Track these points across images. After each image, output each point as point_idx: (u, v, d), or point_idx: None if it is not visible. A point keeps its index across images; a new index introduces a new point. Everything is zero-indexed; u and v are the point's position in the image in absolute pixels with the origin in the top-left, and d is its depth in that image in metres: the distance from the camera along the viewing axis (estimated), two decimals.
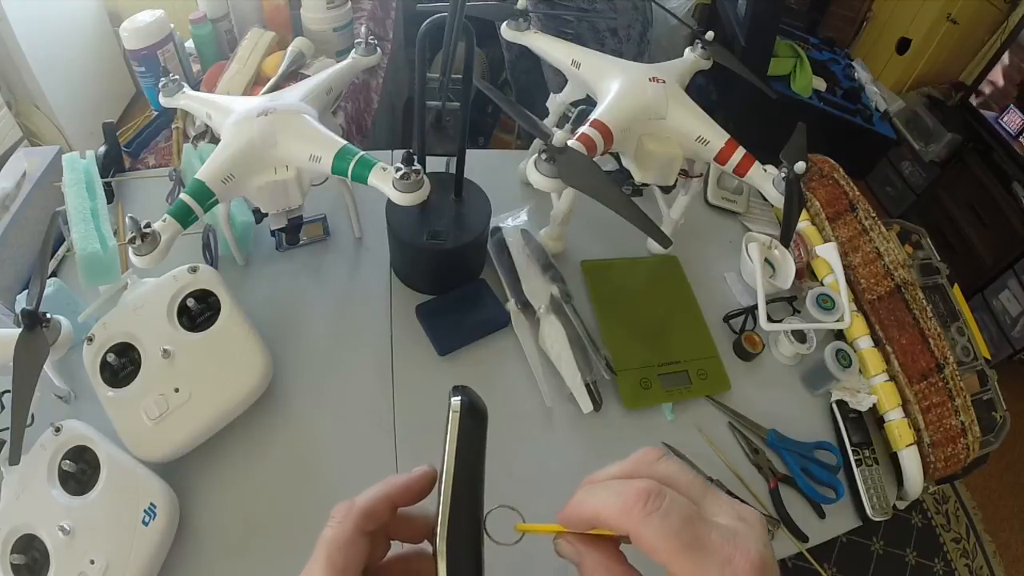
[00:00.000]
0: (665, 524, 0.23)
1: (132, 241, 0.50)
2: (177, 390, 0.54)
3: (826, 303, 0.74)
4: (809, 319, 0.73)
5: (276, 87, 0.96)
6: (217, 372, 0.56)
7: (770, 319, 0.71)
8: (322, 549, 0.26)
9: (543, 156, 0.53)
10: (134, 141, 0.93)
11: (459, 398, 0.27)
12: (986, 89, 1.88)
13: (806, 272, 0.80)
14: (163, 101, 0.69)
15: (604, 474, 0.28)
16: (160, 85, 0.68)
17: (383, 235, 0.72)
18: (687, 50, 0.73)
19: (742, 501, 0.62)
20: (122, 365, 0.55)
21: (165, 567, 0.50)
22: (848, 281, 0.75)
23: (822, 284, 0.78)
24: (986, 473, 1.61)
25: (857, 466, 0.66)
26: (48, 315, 0.49)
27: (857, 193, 0.85)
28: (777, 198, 0.60)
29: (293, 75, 1.00)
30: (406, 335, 0.68)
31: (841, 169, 0.88)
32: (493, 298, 0.71)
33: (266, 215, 0.65)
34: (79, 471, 0.51)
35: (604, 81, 0.66)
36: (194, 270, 0.59)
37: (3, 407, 0.51)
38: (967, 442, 0.68)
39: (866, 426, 0.69)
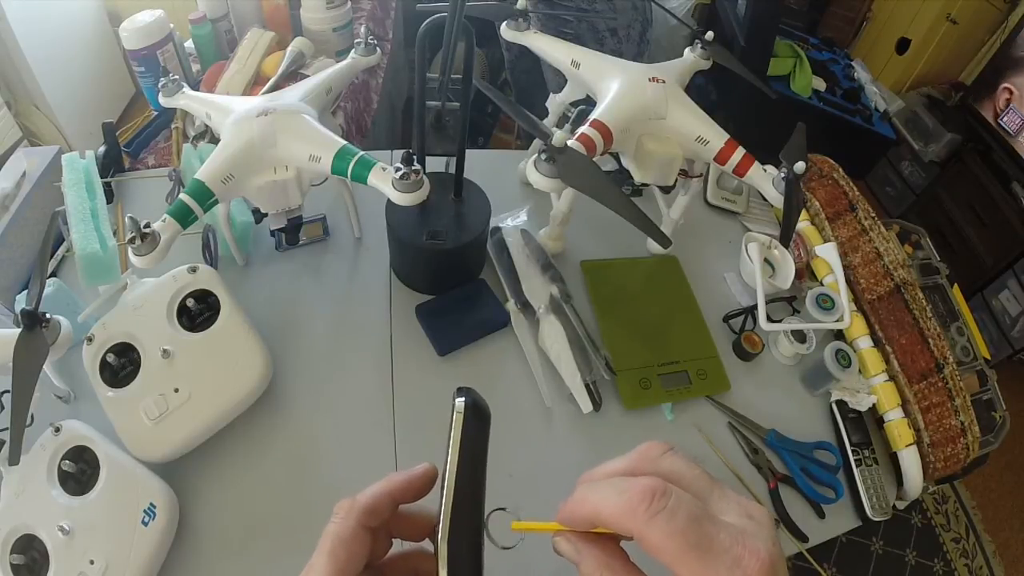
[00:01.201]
0: (671, 524, 0.22)
1: (132, 241, 0.50)
2: (177, 390, 0.54)
3: (826, 303, 0.74)
4: (809, 319, 0.73)
5: (276, 87, 0.96)
6: (217, 372, 0.56)
7: (770, 319, 0.71)
8: (325, 543, 0.27)
9: (543, 156, 0.53)
10: (134, 141, 0.93)
11: (463, 399, 0.27)
12: (985, 89, 1.88)
13: (806, 272, 0.80)
14: (163, 101, 0.69)
15: (605, 471, 0.27)
16: (160, 85, 0.68)
17: (383, 235, 0.72)
18: (687, 50, 0.73)
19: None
20: (122, 365, 0.55)
21: (165, 567, 0.50)
22: (848, 281, 0.75)
23: (822, 284, 0.78)
24: (985, 473, 1.61)
25: (857, 466, 0.66)
26: (48, 315, 0.49)
27: (857, 193, 0.85)
28: (777, 198, 0.60)
29: (293, 75, 1.00)
30: (406, 335, 0.68)
31: (841, 169, 0.88)
32: (493, 298, 0.71)
33: (266, 215, 0.65)
34: (79, 471, 0.51)
35: (604, 81, 0.66)
36: (194, 270, 0.59)
37: (3, 407, 0.51)
38: (967, 442, 0.68)
39: (866, 426, 0.69)
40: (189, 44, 1.06)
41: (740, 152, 0.62)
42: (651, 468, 0.26)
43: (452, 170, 0.68)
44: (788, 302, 0.79)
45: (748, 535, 0.23)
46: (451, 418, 0.27)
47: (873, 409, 0.70)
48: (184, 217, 0.53)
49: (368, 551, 0.27)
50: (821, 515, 0.64)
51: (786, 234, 0.61)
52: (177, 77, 0.68)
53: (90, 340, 0.55)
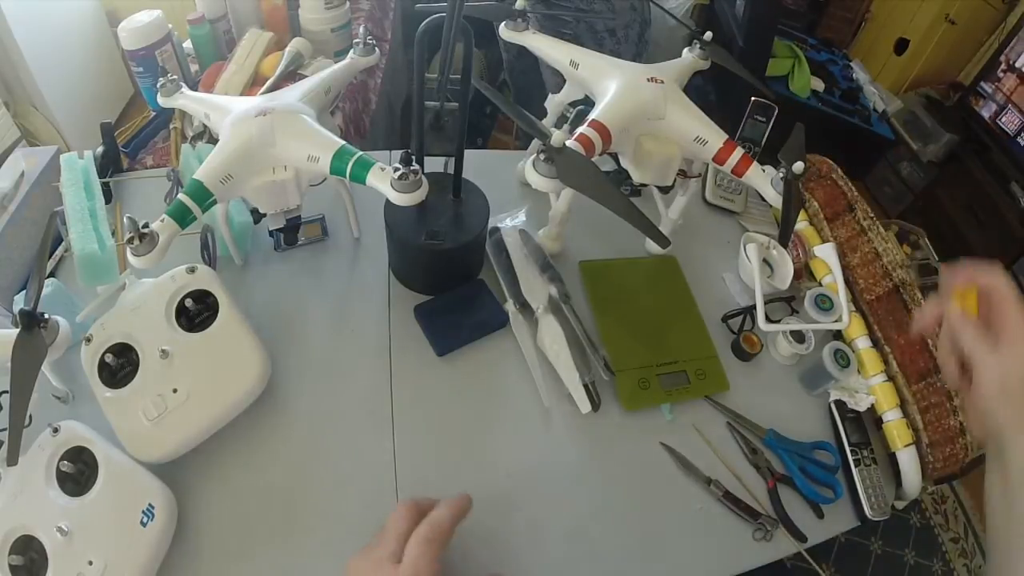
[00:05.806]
0: None
1: (130, 241, 0.50)
2: (175, 391, 0.54)
3: (824, 303, 0.74)
4: (807, 319, 0.73)
5: (274, 87, 0.96)
6: (215, 372, 0.56)
7: (768, 319, 0.71)
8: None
9: (541, 156, 0.52)
10: (132, 141, 0.93)
11: None
12: (984, 89, 1.89)
13: (804, 272, 0.80)
14: (161, 101, 0.69)
15: None
16: (158, 85, 0.68)
17: (381, 235, 0.72)
18: (685, 50, 0.73)
19: (740, 502, 0.61)
20: (120, 365, 0.55)
21: (163, 568, 0.50)
22: (846, 281, 0.75)
23: (820, 284, 0.79)
24: (984, 473, 1.61)
25: (855, 466, 0.66)
26: (46, 315, 0.49)
27: (855, 193, 0.85)
28: (775, 198, 0.60)
29: (291, 75, 1.00)
30: (404, 335, 0.68)
31: (839, 169, 0.88)
32: (491, 298, 0.71)
33: (264, 215, 0.64)
34: (77, 472, 0.51)
35: (602, 81, 0.66)
36: (192, 270, 0.59)
37: (1, 408, 0.51)
38: (965, 442, 0.68)
39: (864, 426, 0.69)
40: (187, 44, 1.06)
41: (738, 152, 0.62)
42: None
43: (451, 170, 0.68)
44: (787, 302, 0.79)
45: None
46: None
47: (872, 409, 0.70)
48: (183, 217, 0.53)
49: None
50: (820, 515, 0.64)
51: (785, 234, 0.61)
52: (175, 77, 0.68)
53: (88, 340, 0.54)
